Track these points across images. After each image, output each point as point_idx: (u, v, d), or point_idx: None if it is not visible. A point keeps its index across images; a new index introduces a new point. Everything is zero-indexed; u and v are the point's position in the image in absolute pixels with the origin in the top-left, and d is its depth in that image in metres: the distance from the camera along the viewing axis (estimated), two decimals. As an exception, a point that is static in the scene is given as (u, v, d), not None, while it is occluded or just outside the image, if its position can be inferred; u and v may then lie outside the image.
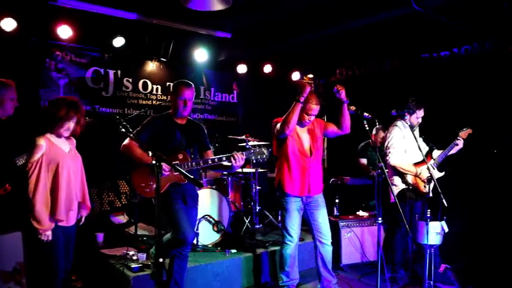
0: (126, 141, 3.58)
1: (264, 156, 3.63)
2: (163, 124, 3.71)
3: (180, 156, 3.59)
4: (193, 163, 3.58)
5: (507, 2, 4.85)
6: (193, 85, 3.82)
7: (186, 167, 3.52)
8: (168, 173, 3.47)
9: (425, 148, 4.68)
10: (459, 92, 5.61)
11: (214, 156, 3.65)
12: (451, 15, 5.13)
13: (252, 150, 3.61)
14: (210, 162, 3.59)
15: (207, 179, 5.70)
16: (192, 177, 2.89)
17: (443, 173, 4.65)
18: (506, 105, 5.13)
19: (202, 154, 3.88)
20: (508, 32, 5.13)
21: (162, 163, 3.03)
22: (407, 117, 4.57)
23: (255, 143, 5.91)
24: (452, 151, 4.63)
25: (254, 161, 3.69)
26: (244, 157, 3.52)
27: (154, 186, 3.36)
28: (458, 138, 4.61)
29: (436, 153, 4.68)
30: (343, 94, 3.94)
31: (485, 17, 5.14)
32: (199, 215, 4.87)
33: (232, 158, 3.48)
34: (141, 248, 4.77)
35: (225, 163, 3.56)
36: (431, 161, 4.60)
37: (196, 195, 3.90)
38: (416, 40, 6.01)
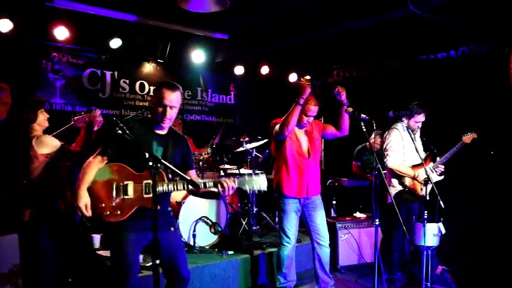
0: (90, 159, 2.92)
1: (262, 188, 2.88)
2: (138, 131, 2.94)
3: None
4: (170, 186, 2.87)
5: (504, 4, 4.87)
6: (180, 88, 3.03)
7: (160, 189, 2.82)
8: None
9: (423, 151, 4.67)
10: (457, 93, 5.62)
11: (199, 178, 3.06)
12: (449, 16, 5.15)
13: (247, 178, 2.88)
14: (190, 188, 2.86)
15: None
16: (189, 178, 2.66)
17: (442, 177, 4.61)
18: (504, 106, 5.15)
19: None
20: (505, 33, 5.14)
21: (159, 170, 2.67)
22: (405, 120, 4.57)
23: (253, 144, 5.91)
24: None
25: (249, 192, 2.95)
26: (235, 186, 2.85)
27: (118, 210, 2.80)
28: (460, 143, 4.54)
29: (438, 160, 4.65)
30: (343, 96, 3.92)
31: (482, 18, 5.16)
32: (196, 217, 4.87)
33: (219, 185, 2.82)
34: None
35: (212, 189, 2.90)
36: (430, 164, 4.60)
37: (170, 219, 3.13)
38: (414, 41, 6.02)
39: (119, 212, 2.82)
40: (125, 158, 2.89)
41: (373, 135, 5.73)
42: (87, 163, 2.89)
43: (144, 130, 3.00)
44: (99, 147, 2.94)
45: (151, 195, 2.75)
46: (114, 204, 2.81)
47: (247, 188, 2.88)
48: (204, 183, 2.87)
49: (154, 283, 2.68)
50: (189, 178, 2.66)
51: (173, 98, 2.95)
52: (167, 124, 3.02)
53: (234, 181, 2.85)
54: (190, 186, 2.84)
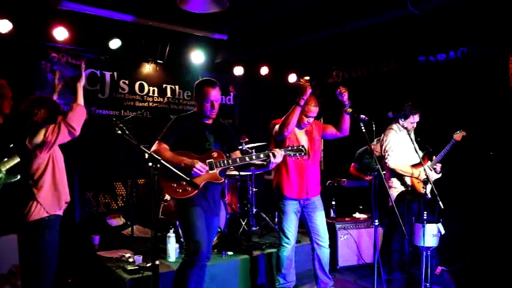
0: (155, 146, 3.43)
1: (303, 153, 3.47)
2: (190, 124, 3.54)
3: (215, 154, 3.43)
4: (230, 161, 3.43)
5: (502, 6, 4.89)
6: (218, 83, 3.57)
7: (222, 165, 3.40)
8: (203, 172, 3.30)
9: (420, 151, 4.69)
10: (455, 94, 5.63)
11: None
12: (448, 17, 5.16)
13: (290, 148, 3.47)
14: (247, 160, 3.43)
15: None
16: (188, 178, 2.87)
17: (440, 175, 4.65)
18: (503, 106, 5.16)
19: (230, 155, 3.68)
20: (503, 35, 5.15)
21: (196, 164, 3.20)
22: (401, 120, 4.57)
23: (252, 145, 5.91)
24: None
25: (292, 158, 3.53)
26: (283, 153, 3.39)
27: (189, 187, 3.30)
28: (452, 141, 4.63)
29: (434, 159, 4.70)
30: (345, 96, 3.94)
31: (481, 20, 5.17)
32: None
33: (271, 155, 3.33)
34: (137, 250, 4.75)
35: (260, 161, 3.44)
36: (428, 163, 4.63)
37: (219, 201, 3.71)
38: (414, 42, 6.03)
39: (189, 189, 3.32)
40: (185, 146, 3.41)
41: (374, 142, 5.72)
42: (158, 150, 3.34)
43: (196, 123, 3.56)
44: (159, 140, 3.44)
45: (215, 170, 3.38)
46: (183, 182, 3.28)
47: (291, 154, 3.46)
48: (257, 155, 3.40)
49: (154, 283, 2.69)
50: (188, 178, 2.93)
51: (216, 94, 3.51)
52: (215, 115, 3.56)
53: (281, 149, 3.40)
54: (246, 160, 3.43)
